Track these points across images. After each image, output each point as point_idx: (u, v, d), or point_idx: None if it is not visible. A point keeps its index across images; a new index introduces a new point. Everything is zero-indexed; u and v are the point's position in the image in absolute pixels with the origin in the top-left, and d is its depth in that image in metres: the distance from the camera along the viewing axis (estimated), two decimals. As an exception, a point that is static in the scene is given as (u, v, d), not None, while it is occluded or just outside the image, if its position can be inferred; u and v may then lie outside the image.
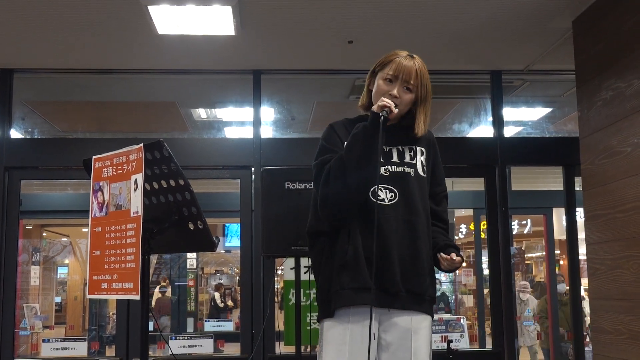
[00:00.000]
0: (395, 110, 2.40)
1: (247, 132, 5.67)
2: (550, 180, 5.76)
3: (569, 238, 5.57)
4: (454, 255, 2.39)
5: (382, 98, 2.40)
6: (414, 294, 2.41)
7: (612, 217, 3.92)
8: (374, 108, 2.38)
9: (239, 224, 5.34)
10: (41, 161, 5.37)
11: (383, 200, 2.41)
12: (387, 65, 2.49)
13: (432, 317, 2.50)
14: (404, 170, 2.47)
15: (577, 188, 8.11)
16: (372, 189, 2.39)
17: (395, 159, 2.47)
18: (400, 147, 2.50)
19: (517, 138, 6.30)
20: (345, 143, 2.42)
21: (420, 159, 2.51)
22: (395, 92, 2.44)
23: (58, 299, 11.78)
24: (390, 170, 2.45)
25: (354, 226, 2.38)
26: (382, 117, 2.34)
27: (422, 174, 2.50)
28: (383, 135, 2.33)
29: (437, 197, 2.58)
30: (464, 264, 2.22)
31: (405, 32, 4.62)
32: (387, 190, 2.42)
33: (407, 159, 2.49)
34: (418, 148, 2.52)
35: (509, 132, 5.96)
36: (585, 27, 4.29)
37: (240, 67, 5.43)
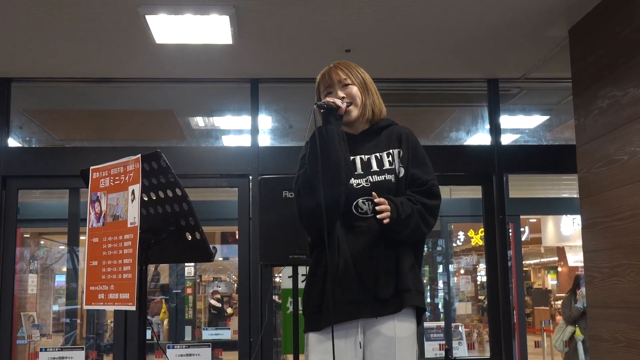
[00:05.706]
0: (343, 106, 2.40)
1: (245, 141, 5.67)
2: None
3: (499, 247, 5.42)
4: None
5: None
6: (379, 301, 2.36)
7: (609, 225, 3.92)
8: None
9: (237, 233, 5.35)
10: (39, 170, 5.37)
11: (366, 212, 2.39)
12: (319, 87, 2.54)
13: (415, 317, 2.41)
14: (385, 178, 2.42)
15: (567, 195, 8.09)
16: (354, 203, 2.38)
17: (375, 167, 2.44)
18: (378, 155, 2.47)
19: (515, 146, 6.31)
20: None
21: (397, 161, 2.45)
22: (338, 95, 2.46)
23: (56, 307, 11.73)
24: (372, 180, 2.42)
25: (341, 238, 2.36)
26: (316, 106, 2.36)
27: (401, 175, 2.44)
28: (331, 126, 2.34)
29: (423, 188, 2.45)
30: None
31: (401, 41, 4.63)
32: (370, 202, 2.38)
33: (387, 165, 2.45)
34: (395, 151, 2.47)
35: (506, 140, 5.96)
36: (582, 36, 4.31)
37: (238, 76, 5.44)
